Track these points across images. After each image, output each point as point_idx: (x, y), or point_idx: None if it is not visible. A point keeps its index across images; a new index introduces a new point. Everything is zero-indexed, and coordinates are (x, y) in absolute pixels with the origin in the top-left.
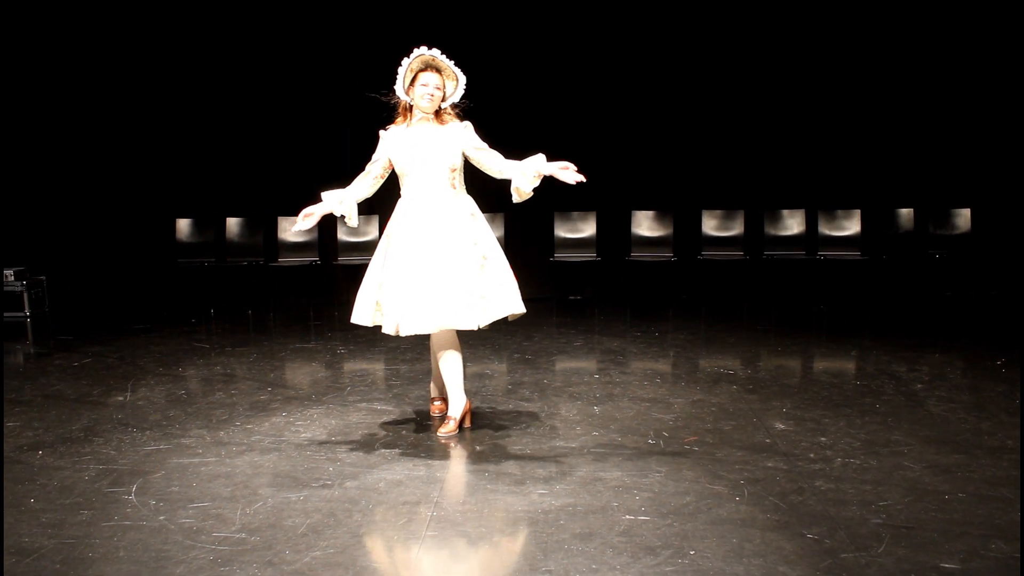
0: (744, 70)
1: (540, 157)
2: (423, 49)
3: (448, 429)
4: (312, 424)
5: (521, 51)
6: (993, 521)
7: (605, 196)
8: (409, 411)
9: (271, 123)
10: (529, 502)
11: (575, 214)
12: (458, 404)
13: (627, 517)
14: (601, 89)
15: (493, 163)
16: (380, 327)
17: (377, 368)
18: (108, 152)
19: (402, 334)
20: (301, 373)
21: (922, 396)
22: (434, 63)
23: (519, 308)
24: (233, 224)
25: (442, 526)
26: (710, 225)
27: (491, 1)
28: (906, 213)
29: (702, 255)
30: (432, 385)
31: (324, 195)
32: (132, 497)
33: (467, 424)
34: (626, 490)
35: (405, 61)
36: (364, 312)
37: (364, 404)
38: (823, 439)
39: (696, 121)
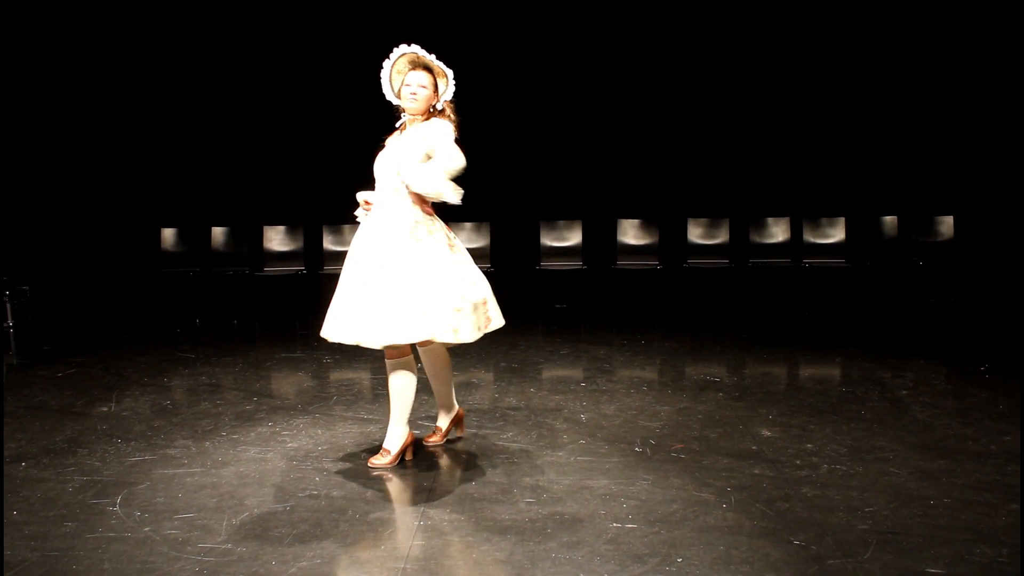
0: (729, 79)
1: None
2: (403, 47)
3: (384, 461)
4: (298, 434)
5: (508, 60)
6: (978, 526)
7: (591, 204)
8: None
9: (256, 132)
10: (516, 511)
11: (561, 223)
12: (399, 435)
13: (614, 525)
14: (586, 98)
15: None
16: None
17: (363, 378)
18: (92, 161)
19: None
20: (287, 383)
21: (907, 402)
22: (420, 61)
23: None
24: (218, 233)
25: (429, 535)
26: (695, 233)
27: (479, 8)
28: (890, 220)
29: (688, 263)
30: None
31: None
32: (117, 508)
33: (408, 457)
34: (613, 498)
35: (386, 63)
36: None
37: (351, 414)
38: (809, 446)
39: (681, 129)
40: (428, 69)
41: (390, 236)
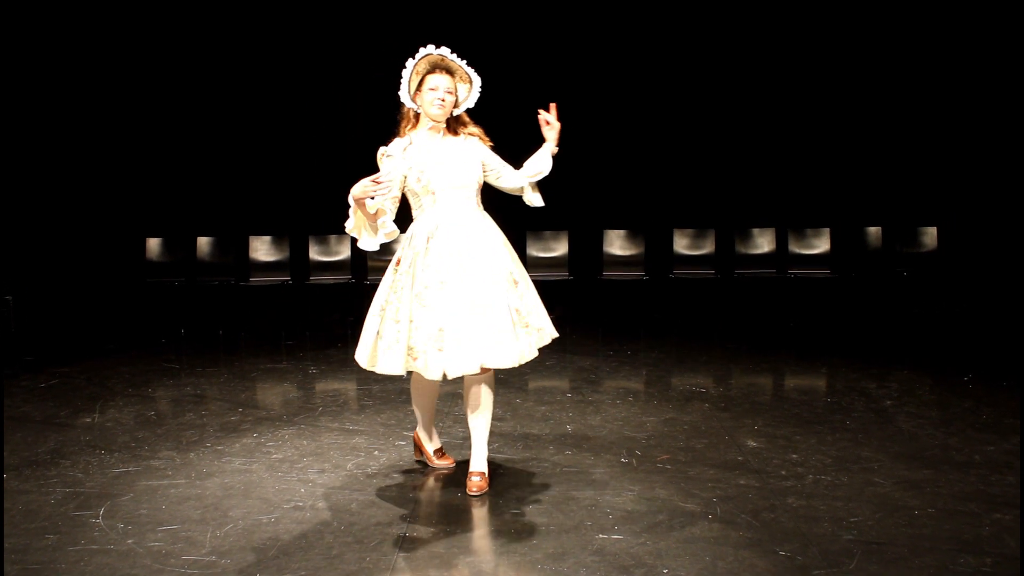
0: (715, 90)
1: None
2: (430, 48)
3: (479, 486)
4: (283, 445)
5: (492, 71)
6: (962, 536)
7: (577, 215)
8: (381, 431)
9: (243, 142)
10: (502, 522)
11: (547, 233)
12: (483, 457)
13: (600, 536)
14: (572, 108)
15: (509, 170)
16: (412, 373)
17: (349, 388)
18: (77, 169)
19: (449, 377)
20: (272, 394)
21: (891, 412)
22: (444, 63)
23: (553, 333)
24: (204, 243)
25: (414, 547)
26: (681, 244)
27: (462, 20)
28: (874, 231)
29: (673, 274)
30: (420, 431)
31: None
32: (100, 520)
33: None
34: (599, 509)
35: (410, 62)
36: (395, 360)
37: (336, 425)
38: (794, 456)
39: (667, 140)
40: (451, 73)
41: (494, 246)
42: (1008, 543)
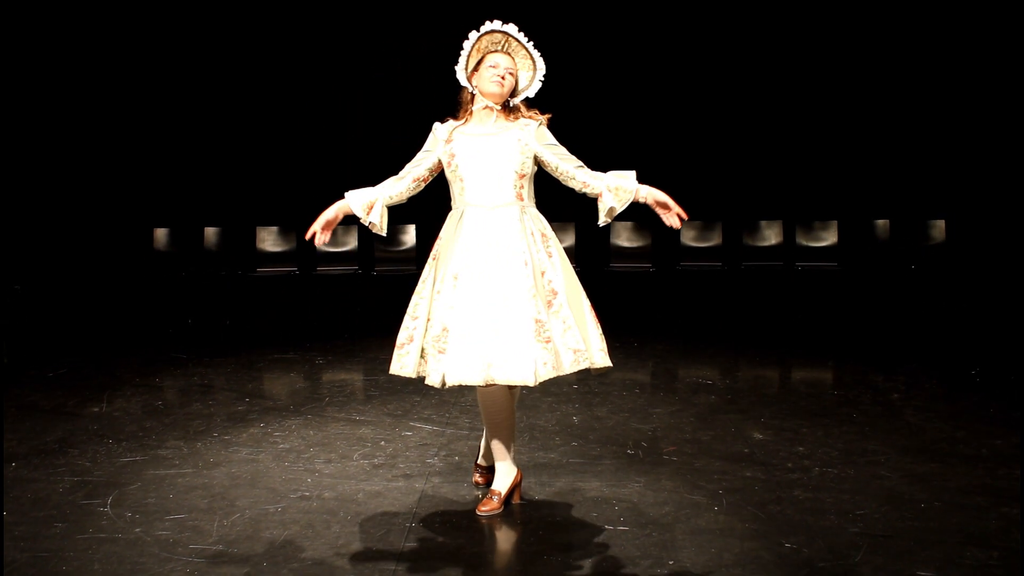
0: (723, 83)
1: (632, 175)
2: (496, 23)
3: (490, 507)
4: (290, 435)
5: None
6: (968, 529)
7: (584, 207)
8: (388, 422)
9: (250, 132)
10: (508, 513)
11: (554, 224)
12: (505, 477)
13: (606, 527)
14: (577, 99)
15: (572, 171)
16: (424, 378)
17: (356, 379)
18: (85, 160)
19: (448, 385)
20: (279, 384)
21: (898, 406)
22: (508, 46)
23: (599, 360)
24: (211, 234)
25: (421, 537)
26: (688, 236)
27: (465, 19)
28: (882, 224)
29: (680, 266)
30: (481, 446)
31: (349, 194)
32: (107, 509)
33: (515, 500)
34: (605, 501)
35: (472, 35)
36: (408, 360)
37: (343, 415)
38: (801, 449)
39: (674, 132)
40: (512, 57)
41: (524, 247)
42: (1015, 537)
